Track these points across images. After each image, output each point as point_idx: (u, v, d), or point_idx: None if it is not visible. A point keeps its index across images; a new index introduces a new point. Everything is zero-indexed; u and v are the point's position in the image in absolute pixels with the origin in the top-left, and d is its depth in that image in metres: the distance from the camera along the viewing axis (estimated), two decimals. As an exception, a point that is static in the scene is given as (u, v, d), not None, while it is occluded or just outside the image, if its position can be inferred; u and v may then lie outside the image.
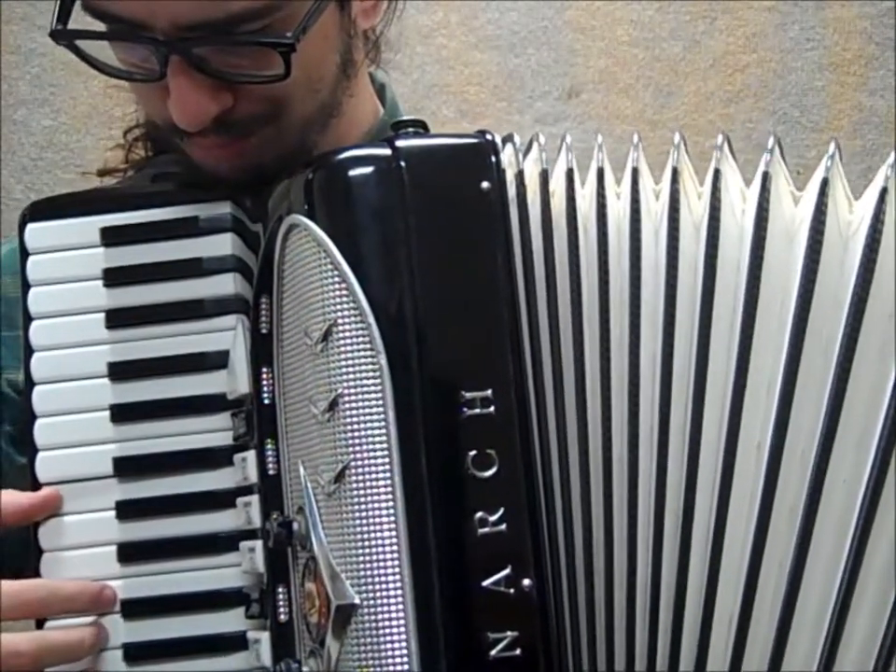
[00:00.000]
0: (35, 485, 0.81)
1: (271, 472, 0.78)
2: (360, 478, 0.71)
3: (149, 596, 0.80)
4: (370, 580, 0.70)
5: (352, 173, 0.75)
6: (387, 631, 0.70)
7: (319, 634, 0.72)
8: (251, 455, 0.78)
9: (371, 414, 0.72)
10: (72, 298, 0.83)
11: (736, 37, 1.88)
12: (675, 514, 0.75)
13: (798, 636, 0.74)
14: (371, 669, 0.70)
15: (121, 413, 0.81)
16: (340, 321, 0.72)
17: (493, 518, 0.71)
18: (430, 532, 0.71)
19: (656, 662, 0.75)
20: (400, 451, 0.71)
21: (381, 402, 0.72)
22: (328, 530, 0.72)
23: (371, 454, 0.71)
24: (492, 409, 0.72)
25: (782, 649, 0.74)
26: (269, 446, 0.78)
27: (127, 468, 0.81)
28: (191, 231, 0.83)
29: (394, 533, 0.70)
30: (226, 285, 0.82)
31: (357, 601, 0.70)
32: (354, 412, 0.72)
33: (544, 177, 0.78)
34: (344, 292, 0.73)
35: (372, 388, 0.72)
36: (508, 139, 0.79)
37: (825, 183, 0.75)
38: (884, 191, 0.74)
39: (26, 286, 0.83)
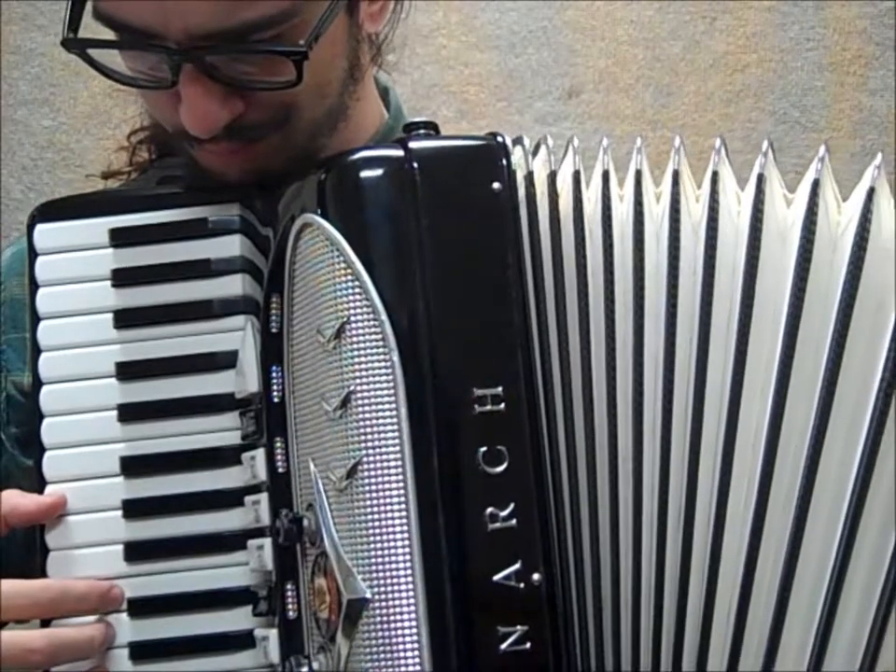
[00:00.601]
0: (42, 486, 0.81)
1: (280, 470, 0.78)
2: (372, 474, 0.72)
3: (156, 595, 0.80)
4: (381, 574, 0.71)
5: (365, 173, 0.76)
6: (399, 625, 0.70)
7: (329, 629, 0.73)
8: (260, 454, 0.79)
9: (383, 411, 0.72)
10: (80, 298, 0.83)
11: (736, 37, 1.88)
12: (677, 508, 0.76)
13: (792, 624, 0.75)
14: (383, 663, 0.70)
15: (129, 413, 0.82)
16: (353, 319, 0.73)
17: (503, 513, 0.72)
18: (441, 527, 0.71)
19: (660, 655, 0.76)
20: (412, 447, 0.72)
21: (393, 399, 0.72)
22: (339, 526, 0.73)
23: (383, 449, 0.72)
24: (502, 406, 0.73)
25: (778, 636, 0.75)
26: (278, 444, 0.78)
27: (134, 467, 0.81)
28: (200, 232, 0.83)
29: (405, 528, 0.71)
30: (234, 286, 0.82)
31: (368, 595, 0.71)
32: (366, 408, 0.72)
33: (552, 179, 0.79)
34: (357, 290, 0.73)
35: (385, 385, 0.72)
36: (517, 141, 0.80)
37: (816, 184, 0.77)
38: (871, 191, 0.76)
39: (35, 286, 0.83)
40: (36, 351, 0.83)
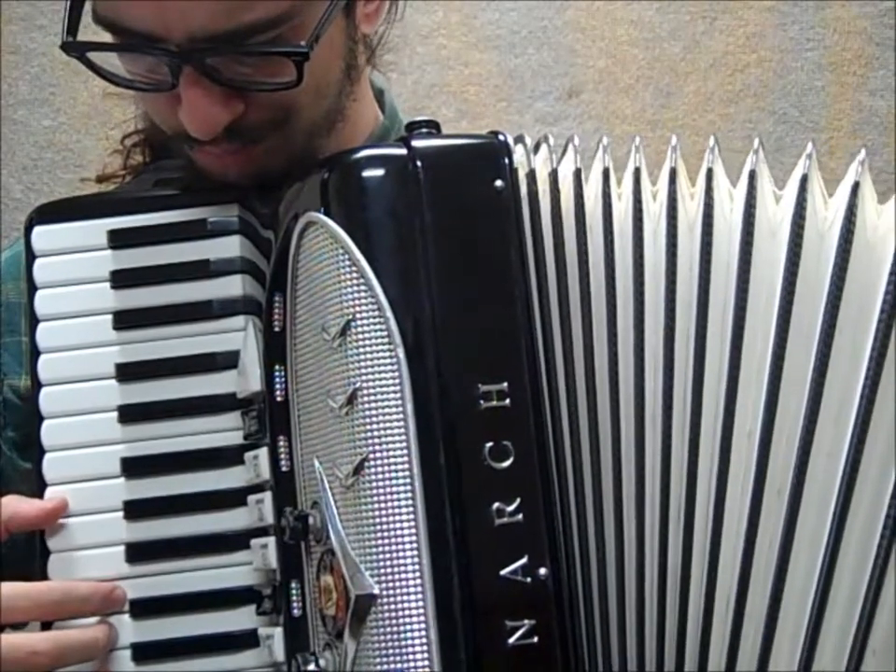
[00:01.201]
0: (42, 488, 0.81)
1: (283, 469, 0.78)
2: (379, 470, 0.72)
3: (158, 596, 0.80)
4: (389, 570, 0.71)
5: (368, 172, 0.76)
6: (407, 620, 0.71)
7: (337, 626, 0.73)
8: (263, 453, 0.79)
9: (389, 407, 0.72)
10: (79, 300, 0.83)
11: (736, 37, 1.88)
12: (678, 502, 0.77)
13: (787, 612, 0.77)
14: (391, 658, 0.71)
15: (129, 414, 0.82)
16: (358, 316, 0.73)
17: (510, 508, 0.72)
18: (448, 522, 0.72)
19: (664, 646, 0.77)
20: (418, 443, 0.72)
21: (399, 395, 0.72)
22: (346, 523, 0.73)
23: (390, 446, 0.72)
24: (508, 401, 0.73)
25: (773, 626, 0.77)
26: (281, 443, 0.79)
27: (135, 468, 0.81)
28: (199, 233, 0.83)
29: (412, 524, 0.71)
30: (234, 286, 0.82)
31: (376, 591, 0.71)
32: (372, 405, 0.72)
33: (554, 177, 0.79)
34: (363, 287, 0.73)
35: (391, 381, 0.73)
36: (519, 139, 0.80)
37: (804, 180, 0.78)
38: (856, 186, 0.78)
39: (33, 288, 0.83)
40: (35, 353, 0.82)
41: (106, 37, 0.79)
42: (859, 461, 0.76)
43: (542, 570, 0.72)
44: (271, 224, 0.82)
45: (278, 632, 0.77)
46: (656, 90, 1.88)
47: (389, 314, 0.73)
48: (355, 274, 0.74)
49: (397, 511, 0.71)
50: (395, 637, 0.71)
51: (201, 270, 0.82)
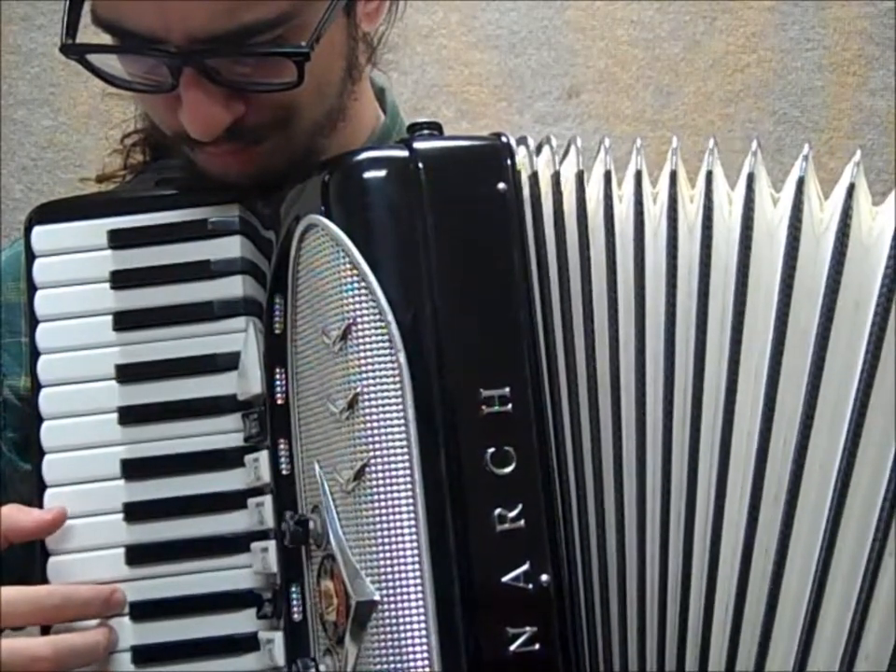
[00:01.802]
0: (41, 489, 0.81)
1: (284, 472, 0.78)
2: (380, 475, 0.72)
3: (158, 598, 0.79)
4: (389, 576, 0.71)
5: (369, 174, 0.76)
6: (408, 627, 0.70)
7: (337, 632, 0.73)
8: (263, 456, 0.79)
9: (390, 412, 0.72)
10: (79, 300, 0.83)
11: (736, 37, 1.88)
12: (678, 506, 0.78)
13: (783, 617, 0.77)
14: (392, 665, 0.70)
15: (129, 416, 0.81)
16: (359, 320, 0.73)
17: (511, 514, 0.72)
18: (450, 528, 0.72)
19: (665, 654, 0.77)
20: (420, 448, 0.72)
21: (400, 400, 0.72)
22: (346, 528, 0.73)
23: (391, 451, 0.72)
24: (510, 406, 0.73)
25: (769, 628, 0.77)
26: (282, 446, 0.78)
27: (135, 470, 0.81)
28: (200, 233, 0.83)
29: (414, 529, 0.71)
30: (234, 287, 0.82)
31: (376, 598, 0.71)
32: (373, 409, 0.72)
33: (556, 179, 0.79)
34: (364, 291, 0.73)
35: (391, 386, 0.72)
36: (521, 141, 0.80)
37: (801, 182, 0.79)
38: (851, 187, 0.78)
39: (33, 288, 0.83)
40: (35, 354, 0.82)
41: (105, 39, 0.79)
42: (852, 466, 0.76)
43: (544, 577, 0.72)
44: (272, 224, 0.82)
45: (279, 636, 0.77)
46: (656, 90, 1.88)
47: (390, 317, 0.73)
48: (355, 277, 0.73)
49: (397, 516, 0.71)
50: (395, 643, 0.70)
51: (201, 270, 0.82)
